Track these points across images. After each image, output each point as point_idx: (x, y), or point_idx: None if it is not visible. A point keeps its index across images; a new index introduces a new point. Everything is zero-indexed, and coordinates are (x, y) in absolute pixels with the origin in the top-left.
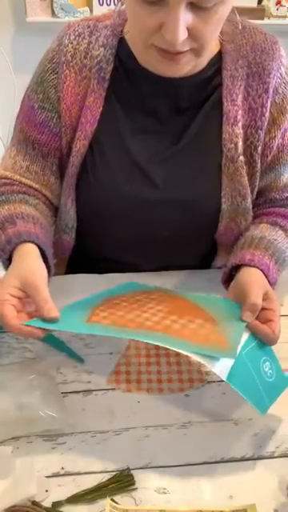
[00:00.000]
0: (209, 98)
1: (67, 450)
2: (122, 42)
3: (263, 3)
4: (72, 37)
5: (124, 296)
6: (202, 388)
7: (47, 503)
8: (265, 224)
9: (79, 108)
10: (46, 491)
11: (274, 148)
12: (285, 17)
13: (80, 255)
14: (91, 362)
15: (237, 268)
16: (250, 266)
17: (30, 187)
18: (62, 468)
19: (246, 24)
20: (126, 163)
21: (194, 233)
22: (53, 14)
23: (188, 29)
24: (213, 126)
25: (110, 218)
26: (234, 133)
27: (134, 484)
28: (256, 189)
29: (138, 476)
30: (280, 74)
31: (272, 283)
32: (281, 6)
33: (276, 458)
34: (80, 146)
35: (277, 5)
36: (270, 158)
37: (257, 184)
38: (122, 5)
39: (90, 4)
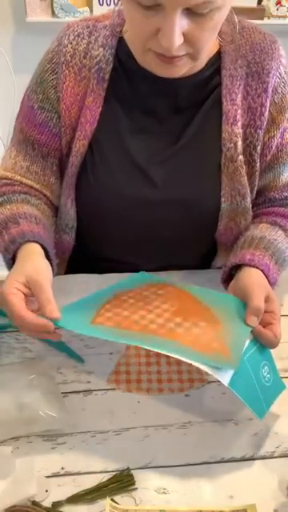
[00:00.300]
0: (208, 97)
1: (67, 449)
2: (121, 42)
3: (263, 3)
4: (71, 37)
5: (132, 292)
6: (202, 388)
7: (47, 503)
8: (265, 224)
9: (79, 108)
10: (46, 491)
11: (274, 147)
12: (285, 17)
13: (80, 255)
14: (91, 361)
15: (237, 268)
16: (250, 265)
17: (31, 187)
18: (62, 468)
19: (245, 24)
20: (126, 163)
21: (193, 232)
22: (53, 14)
23: (184, 34)
24: (212, 126)
25: (110, 217)
26: (234, 132)
27: (133, 484)
28: (255, 188)
29: (138, 476)
30: (279, 73)
31: (272, 283)
32: (281, 5)
33: (276, 458)
34: (80, 146)
35: (277, 5)
36: (269, 157)
37: (256, 183)
38: (121, 5)
39: (89, 4)
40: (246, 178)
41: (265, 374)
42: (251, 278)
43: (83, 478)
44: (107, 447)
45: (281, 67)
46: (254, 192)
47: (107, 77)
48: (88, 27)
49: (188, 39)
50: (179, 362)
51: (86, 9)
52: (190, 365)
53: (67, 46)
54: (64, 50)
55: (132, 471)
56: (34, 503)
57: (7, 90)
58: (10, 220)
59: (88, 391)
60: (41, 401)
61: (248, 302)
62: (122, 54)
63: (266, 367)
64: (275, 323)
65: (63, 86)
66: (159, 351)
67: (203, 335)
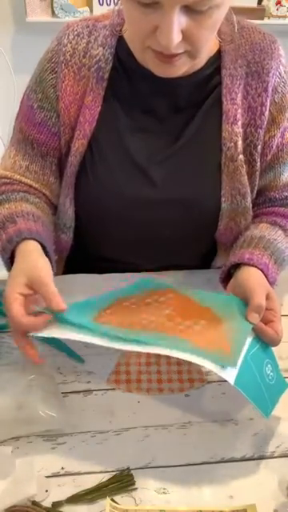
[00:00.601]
0: (208, 97)
1: (67, 449)
2: (120, 42)
3: (263, 3)
4: (71, 36)
5: (134, 297)
6: (202, 388)
7: (47, 503)
8: (264, 224)
9: (78, 107)
10: (46, 491)
11: (274, 147)
12: (285, 17)
13: (79, 255)
14: (91, 362)
15: (236, 267)
16: (249, 265)
17: (30, 187)
18: (62, 468)
19: (245, 24)
20: (125, 162)
21: (193, 232)
22: (53, 14)
23: (182, 32)
24: (212, 125)
25: (109, 217)
26: (234, 132)
27: (134, 484)
28: (256, 188)
29: (138, 476)
30: (279, 72)
31: (271, 283)
32: (281, 5)
33: (276, 457)
34: (79, 146)
35: (277, 5)
36: (269, 156)
37: (256, 183)
38: (121, 4)
39: (90, 4)
40: (246, 177)
41: (268, 372)
42: (250, 276)
43: (83, 477)
44: (107, 447)
45: (280, 67)
46: (255, 192)
47: (106, 76)
48: (88, 27)
49: (187, 37)
50: (179, 362)
51: (86, 9)
52: (190, 365)
53: (67, 45)
54: (63, 49)
55: (132, 471)
56: (34, 503)
57: (7, 90)
58: (8, 219)
59: (88, 391)
60: (41, 401)
61: (249, 300)
62: (122, 54)
63: (269, 365)
64: (276, 321)
65: (62, 85)
66: (161, 353)
67: (204, 331)
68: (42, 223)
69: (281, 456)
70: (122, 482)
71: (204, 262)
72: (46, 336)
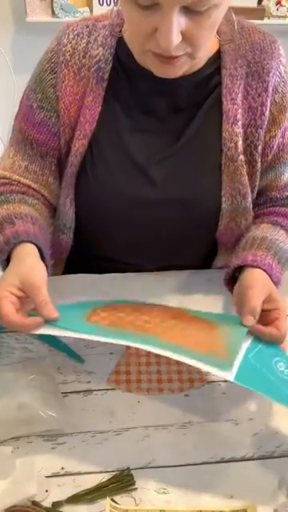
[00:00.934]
0: (208, 97)
1: (67, 449)
2: (120, 42)
3: (263, 3)
4: (71, 36)
5: (128, 304)
6: (201, 388)
7: (47, 503)
8: (266, 224)
9: (78, 107)
10: (46, 491)
11: (275, 147)
12: (285, 17)
13: (79, 255)
14: (91, 361)
15: (240, 269)
16: (252, 266)
17: (29, 187)
18: (62, 468)
19: (245, 23)
20: (126, 162)
21: (194, 232)
22: (53, 14)
23: (182, 33)
24: (212, 125)
25: (110, 217)
26: (234, 132)
27: (134, 484)
28: (256, 188)
29: (138, 476)
30: (279, 72)
31: (276, 283)
32: (281, 5)
33: (276, 457)
34: (79, 146)
35: (277, 5)
36: (270, 156)
37: (257, 183)
38: (120, 5)
39: (90, 4)
40: (246, 177)
41: (281, 369)
42: (252, 279)
43: (83, 477)
44: (107, 447)
45: (281, 66)
46: (255, 192)
47: (106, 76)
48: (87, 27)
49: (186, 38)
50: (179, 362)
51: (86, 9)
52: (190, 365)
53: (66, 45)
54: (63, 49)
55: (132, 471)
56: (34, 503)
57: (7, 89)
58: (6, 220)
59: (88, 391)
60: (41, 401)
61: (245, 303)
62: (122, 54)
63: (280, 363)
64: (280, 318)
65: (62, 85)
66: (157, 352)
67: (199, 334)
68: (39, 226)
69: (281, 456)
70: (122, 482)
71: (204, 261)
72: (39, 333)
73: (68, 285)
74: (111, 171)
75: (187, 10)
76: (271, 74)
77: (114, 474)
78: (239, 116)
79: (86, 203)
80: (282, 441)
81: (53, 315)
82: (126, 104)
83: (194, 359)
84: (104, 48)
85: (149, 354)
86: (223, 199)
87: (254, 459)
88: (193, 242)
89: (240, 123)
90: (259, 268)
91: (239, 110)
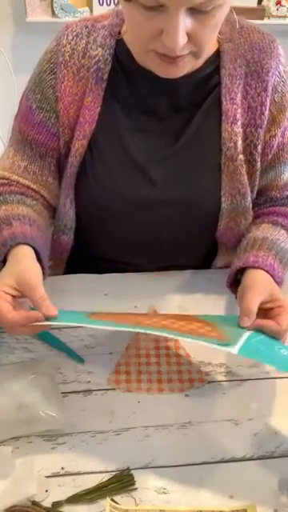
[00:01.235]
0: (208, 96)
1: (67, 449)
2: (119, 42)
3: (263, 3)
4: (70, 37)
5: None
6: (201, 388)
7: (47, 503)
8: (266, 224)
9: (77, 108)
10: (46, 491)
11: (275, 146)
12: (285, 17)
13: (80, 255)
14: (91, 361)
15: (242, 271)
16: (254, 267)
17: (28, 187)
18: (62, 468)
19: (244, 23)
20: (125, 162)
21: (193, 232)
22: (53, 14)
23: (187, 33)
24: (212, 125)
25: (109, 217)
26: (234, 131)
27: (134, 484)
28: (256, 188)
29: (138, 476)
30: (278, 72)
31: (278, 283)
32: (281, 5)
33: (276, 457)
34: (79, 146)
35: (277, 5)
36: (270, 156)
37: (257, 183)
38: (120, 6)
39: (89, 4)
40: (246, 177)
41: (285, 354)
42: (254, 280)
43: (83, 477)
44: (107, 447)
45: (280, 66)
46: (255, 191)
47: (106, 77)
48: (87, 27)
49: (191, 38)
50: (179, 362)
51: (86, 9)
52: (190, 365)
53: (66, 45)
54: (62, 49)
55: (132, 471)
56: (34, 503)
57: (7, 90)
58: (4, 222)
59: (88, 391)
60: (41, 401)
61: (241, 305)
62: (121, 54)
63: (282, 350)
64: (282, 315)
65: (61, 85)
66: (162, 334)
67: (199, 329)
68: (37, 227)
69: (281, 456)
70: (122, 482)
71: (204, 261)
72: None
73: (68, 285)
74: (111, 171)
75: (192, 11)
76: (270, 74)
77: (114, 474)
78: (238, 116)
79: (86, 203)
80: (281, 441)
81: (52, 312)
82: (126, 104)
83: (196, 340)
84: (103, 48)
85: (149, 353)
86: (223, 199)
87: (254, 459)
88: (193, 242)
89: (239, 123)
90: (261, 269)
91: (239, 110)
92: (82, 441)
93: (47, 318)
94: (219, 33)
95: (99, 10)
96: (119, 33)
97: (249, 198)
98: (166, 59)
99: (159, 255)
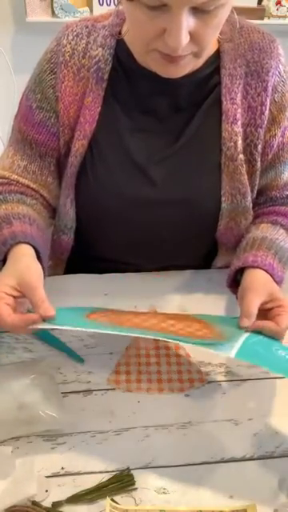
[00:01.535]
0: (208, 96)
1: (67, 450)
2: (120, 42)
3: (263, 3)
4: (70, 37)
5: (119, 311)
6: (202, 388)
7: (47, 503)
8: (265, 224)
9: (77, 108)
10: (46, 491)
11: (275, 146)
12: (285, 17)
13: (80, 255)
14: (91, 361)
15: (241, 271)
16: (253, 267)
17: (28, 187)
18: (62, 468)
19: (244, 23)
20: (125, 162)
21: (194, 232)
22: (53, 14)
23: (189, 33)
24: (212, 125)
25: (110, 217)
26: (234, 131)
27: (134, 484)
28: (256, 187)
29: (138, 476)
30: (278, 72)
31: (278, 282)
32: (281, 5)
33: (276, 457)
34: (79, 146)
35: (277, 5)
36: (270, 156)
37: (257, 182)
38: (122, 6)
39: (90, 4)
40: (246, 177)
41: (283, 355)
42: (253, 280)
43: (83, 478)
44: (107, 447)
45: (280, 66)
46: (255, 191)
47: (106, 77)
48: (87, 27)
49: (193, 37)
50: (179, 362)
51: (86, 9)
52: (190, 365)
53: (66, 45)
54: (63, 49)
55: (132, 471)
56: (34, 503)
57: (7, 89)
58: (4, 220)
59: (88, 391)
60: (41, 401)
61: (242, 306)
62: (121, 54)
63: (280, 351)
64: (282, 315)
65: (62, 85)
66: (159, 339)
67: (197, 331)
68: (37, 227)
69: (281, 456)
70: (121, 482)
71: (204, 261)
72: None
73: (68, 285)
74: (111, 171)
75: (195, 10)
76: (270, 74)
77: (114, 474)
78: (239, 115)
79: (86, 203)
80: (281, 441)
81: (49, 313)
82: (126, 104)
83: (193, 343)
84: (103, 48)
85: (149, 354)
86: (223, 199)
87: (254, 459)
88: (193, 242)
89: (239, 123)
90: (260, 268)
91: (239, 110)
92: (81, 441)
93: (44, 320)
94: (219, 33)
95: (99, 10)
96: (119, 33)
97: (249, 198)
98: (168, 58)
99: (159, 255)
